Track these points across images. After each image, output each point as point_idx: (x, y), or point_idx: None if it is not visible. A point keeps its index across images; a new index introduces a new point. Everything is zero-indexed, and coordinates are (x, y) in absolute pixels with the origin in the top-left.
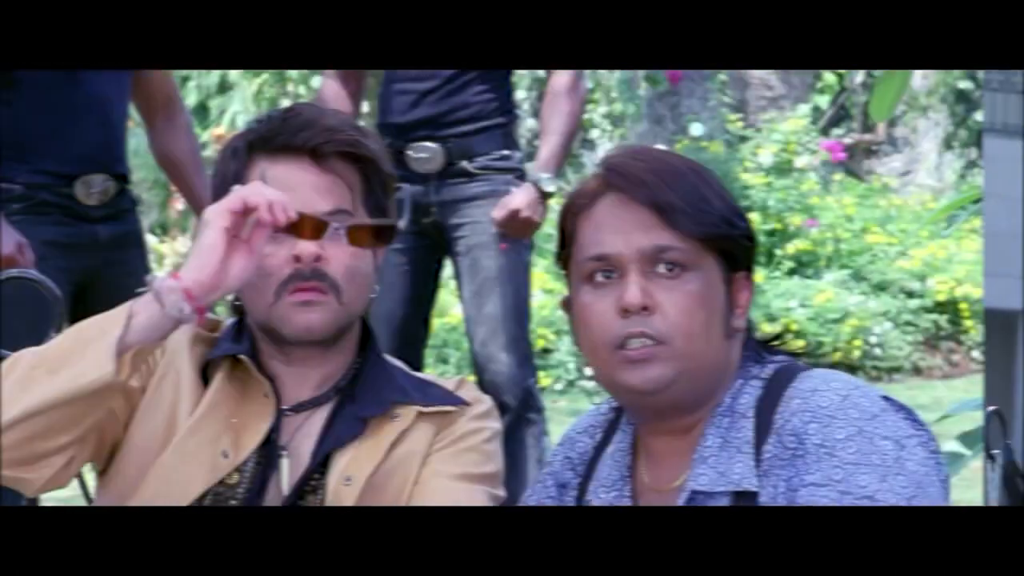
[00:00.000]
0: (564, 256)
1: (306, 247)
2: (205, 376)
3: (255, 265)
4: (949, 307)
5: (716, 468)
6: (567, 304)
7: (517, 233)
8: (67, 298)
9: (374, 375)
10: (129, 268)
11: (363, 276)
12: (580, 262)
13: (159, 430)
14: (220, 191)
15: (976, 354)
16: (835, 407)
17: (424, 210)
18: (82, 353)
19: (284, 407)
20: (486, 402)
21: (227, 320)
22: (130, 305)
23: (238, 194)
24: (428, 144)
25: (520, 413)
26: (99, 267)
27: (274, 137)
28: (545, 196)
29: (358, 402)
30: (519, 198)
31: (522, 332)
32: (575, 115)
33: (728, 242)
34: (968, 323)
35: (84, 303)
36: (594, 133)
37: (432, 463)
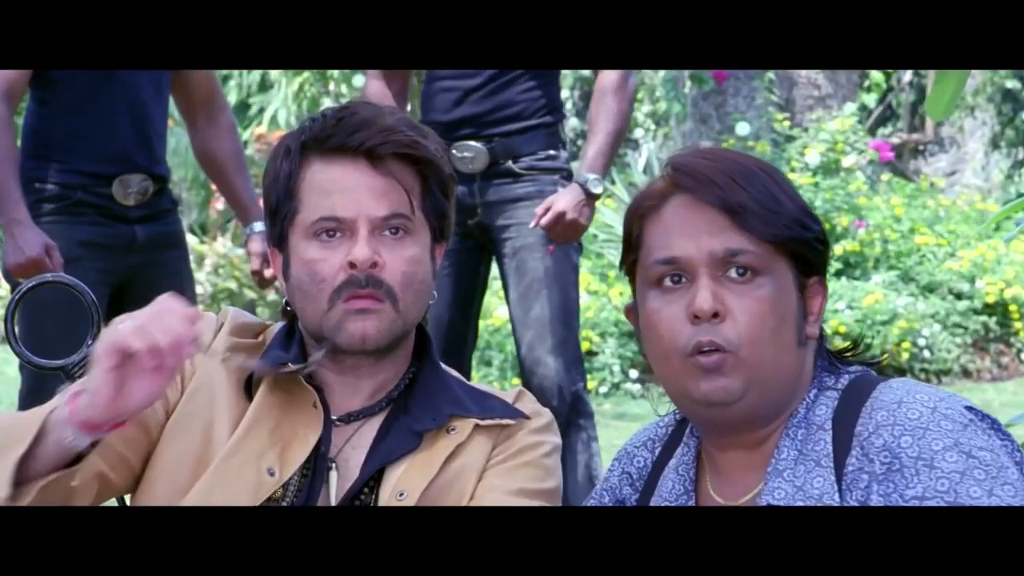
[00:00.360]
0: (630, 261)
1: (361, 252)
2: (250, 386)
3: (168, 380)
4: (998, 309)
5: (792, 482)
6: (631, 311)
7: (563, 236)
8: (104, 299)
9: (429, 385)
10: (169, 269)
11: (420, 283)
12: (647, 266)
13: (192, 451)
14: (272, 191)
15: None
16: (926, 419)
17: (469, 211)
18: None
19: (333, 417)
20: (545, 415)
21: (274, 324)
22: (47, 414)
23: (121, 335)
24: (472, 143)
25: (569, 418)
26: (138, 268)
27: (328, 137)
28: (591, 197)
29: (413, 414)
30: (565, 200)
31: (570, 335)
32: (623, 114)
33: (801, 245)
34: (1018, 325)
35: (123, 304)
36: (638, 133)
37: (489, 478)
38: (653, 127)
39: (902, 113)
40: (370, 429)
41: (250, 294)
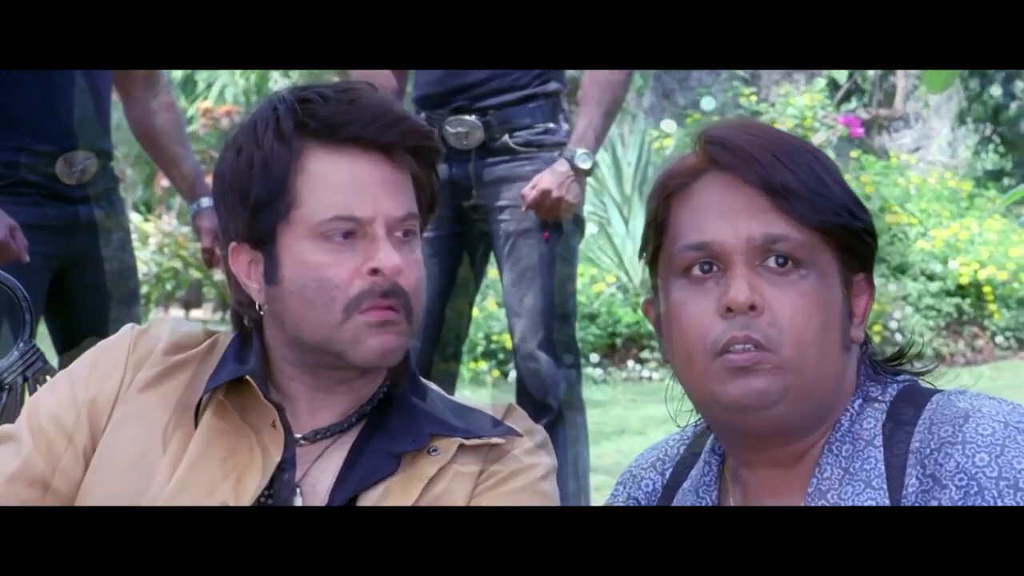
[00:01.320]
0: (652, 247)
1: (389, 259)
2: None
3: None
4: (972, 290)
5: (839, 505)
6: (650, 306)
7: (549, 215)
8: (45, 284)
9: (407, 400)
10: (111, 250)
11: (424, 289)
12: (674, 252)
13: (125, 489)
14: (247, 179)
15: (1000, 340)
16: (1000, 435)
17: (464, 192)
18: None
19: (297, 436)
20: (539, 433)
21: (221, 333)
22: None
23: None
24: (466, 118)
25: (560, 414)
26: (80, 250)
27: (339, 125)
28: (580, 173)
29: (389, 433)
30: (550, 177)
31: (565, 327)
32: (619, 85)
33: (848, 235)
34: (992, 307)
35: (63, 289)
36: None
37: (480, 504)
38: None
39: (868, 88)
40: (339, 449)
41: (196, 273)
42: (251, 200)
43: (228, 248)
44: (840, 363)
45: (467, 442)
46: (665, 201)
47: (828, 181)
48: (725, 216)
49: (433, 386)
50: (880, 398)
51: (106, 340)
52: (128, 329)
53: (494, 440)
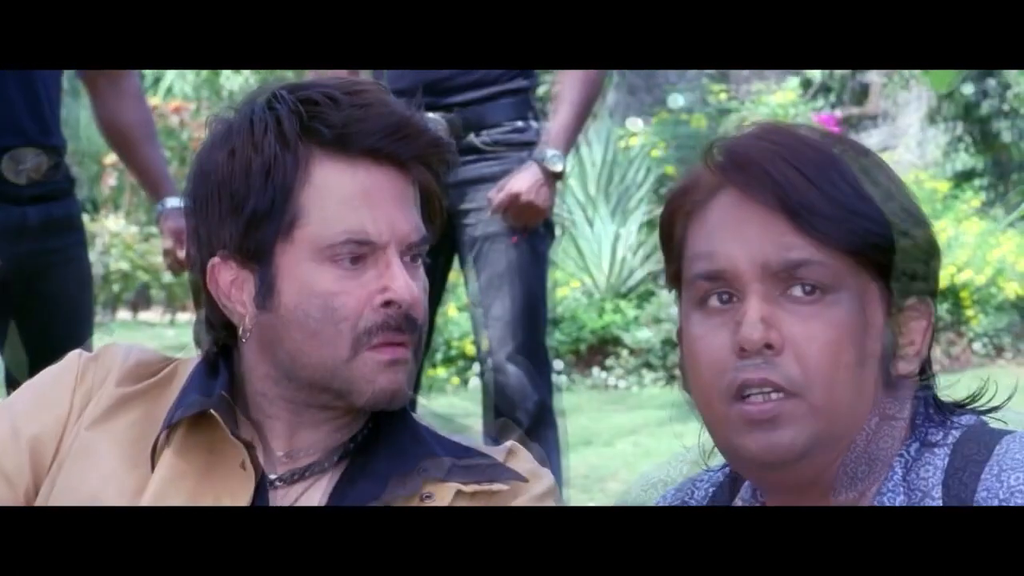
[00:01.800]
0: (672, 272)
1: (407, 290)
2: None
3: None
4: (949, 295)
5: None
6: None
7: (519, 220)
8: None
9: (397, 440)
10: (65, 256)
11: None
12: (689, 280)
13: None
14: (241, 185)
15: (978, 346)
16: None
17: None
18: None
19: (272, 476)
20: (546, 478)
21: (181, 360)
22: None
23: None
24: (430, 115)
25: (531, 431)
26: (29, 256)
27: (354, 136)
28: (552, 176)
29: (375, 478)
30: (520, 180)
31: (536, 338)
32: (593, 83)
33: (888, 254)
34: (969, 312)
35: (11, 297)
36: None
37: None
38: None
39: (834, 85)
40: (317, 492)
41: (143, 276)
42: (247, 211)
43: (209, 263)
44: (873, 398)
45: (465, 488)
46: (683, 221)
47: (860, 195)
48: (740, 240)
49: (424, 421)
50: (943, 442)
51: (50, 369)
52: (75, 356)
53: (496, 487)
